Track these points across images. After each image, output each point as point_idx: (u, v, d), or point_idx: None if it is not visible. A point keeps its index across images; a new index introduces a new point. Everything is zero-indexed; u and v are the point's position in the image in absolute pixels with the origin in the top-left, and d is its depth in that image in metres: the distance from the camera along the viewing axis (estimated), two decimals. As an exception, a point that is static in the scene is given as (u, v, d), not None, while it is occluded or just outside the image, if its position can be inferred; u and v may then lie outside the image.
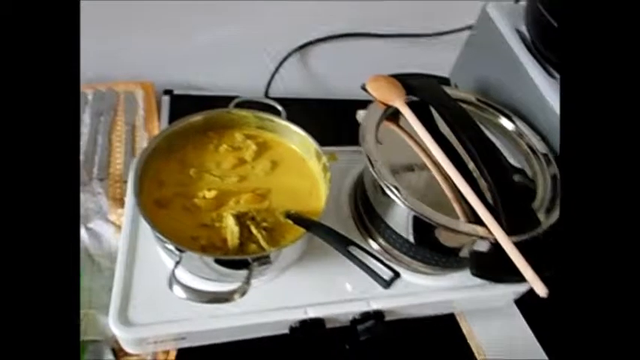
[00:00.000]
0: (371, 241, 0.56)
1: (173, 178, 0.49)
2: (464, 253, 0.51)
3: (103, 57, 0.73)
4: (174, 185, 0.49)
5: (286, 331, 0.49)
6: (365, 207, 0.55)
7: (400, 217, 0.50)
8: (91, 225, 0.58)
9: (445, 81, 0.60)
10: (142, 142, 0.69)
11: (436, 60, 0.85)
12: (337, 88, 0.87)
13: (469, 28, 0.71)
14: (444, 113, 0.52)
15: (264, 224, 0.46)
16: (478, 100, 0.59)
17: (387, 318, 0.51)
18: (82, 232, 0.57)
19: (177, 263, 0.41)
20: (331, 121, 0.79)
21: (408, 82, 0.55)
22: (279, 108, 0.56)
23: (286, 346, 0.50)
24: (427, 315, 0.55)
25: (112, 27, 0.70)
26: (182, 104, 0.76)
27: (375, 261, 0.41)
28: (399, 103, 0.52)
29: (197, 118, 0.52)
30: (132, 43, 0.74)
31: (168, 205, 0.47)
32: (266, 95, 0.81)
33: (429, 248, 0.51)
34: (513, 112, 0.58)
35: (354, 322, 0.50)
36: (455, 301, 0.55)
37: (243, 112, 0.54)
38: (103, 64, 0.75)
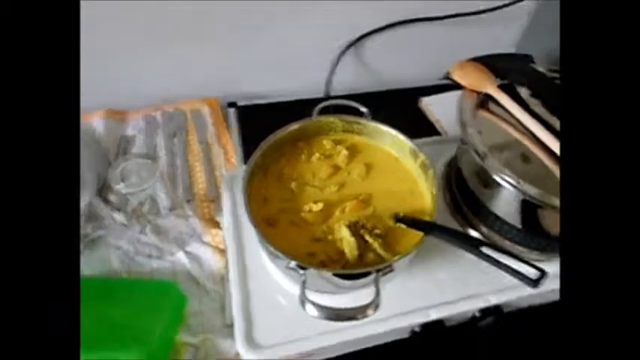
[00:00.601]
0: (471, 231, 0.54)
1: (276, 194, 0.49)
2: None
3: (163, 77, 0.73)
4: (278, 201, 0.49)
5: (407, 335, 0.48)
6: (465, 198, 0.54)
7: (510, 206, 0.49)
8: (189, 248, 0.59)
9: (528, 58, 0.56)
10: (219, 158, 0.69)
11: (498, 36, 0.82)
12: (398, 78, 0.85)
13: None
14: (541, 92, 0.49)
15: (377, 231, 0.45)
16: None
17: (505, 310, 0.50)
18: (182, 256, 0.58)
19: (304, 282, 0.41)
20: (398, 112, 0.77)
21: (495, 66, 0.53)
22: (363, 109, 0.55)
23: (406, 348, 0.49)
24: (541, 303, 0.53)
25: (170, 45, 0.70)
26: (248, 114, 0.76)
27: (512, 259, 0.39)
28: (491, 89, 0.50)
29: (289, 130, 0.52)
30: (190, 61, 0.74)
31: (277, 222, 0.47)
32: (327, 94, 0.79)
33: (540, 234, 0.50)
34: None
35: (474, 319, 0.49)
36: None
37: (330, 118, 0.53)
38: (165, 85, 0.75)
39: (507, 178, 0.42)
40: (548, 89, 0.49)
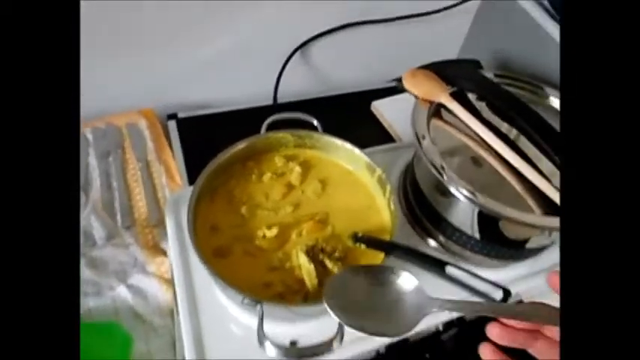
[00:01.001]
0: (430, 240, 0.53)
1: (225, 220, 0.45)
2: (531, 244, 0.49)
3: (91, 89, 0.66)
4: (228, 228, 0.45)
5: (372, 356, 0.46)
6: (423, 208, 0.52)
7: (467, 217, 0.48)
8: (131, 281, 0.54)
9: (476, 64, 0.56)
10: (161, 177, 0.63)
11: (441, 38, 0.82)
12: (346, 80, 0.83)
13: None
14: (491, 99, 0.49)
15: (336, 254, 0.43)
16: (509, 76, 0.55)
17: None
18: (124, 290, 0.53)
19: (262, 319, 0.38)
20: (349, 118, 0.76)
21: (445, 73, 0.52)
22: (315, 122, 0.52)
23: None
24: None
25: (95, 54, 0.64)
26: (190, 127, 0.71)
27: (474, 279, 0.38)
28: (444, 99, 0.49)
29: (238, 147, 0.48)
30: (120, 69, 0.67)
31: (229, 253, 0.43)
32: (275, 101, 0.76)
33: (498, 243, 0.49)
34: (545, 83, 0.56)
35: (438, 332, 0.48)
36: (522, 292, 0.53)
37: (280, 133, 0.50)
38: (94, 97, 0.69)
39: (465, 192, 0.41)
40: (495, 95, 0.48)
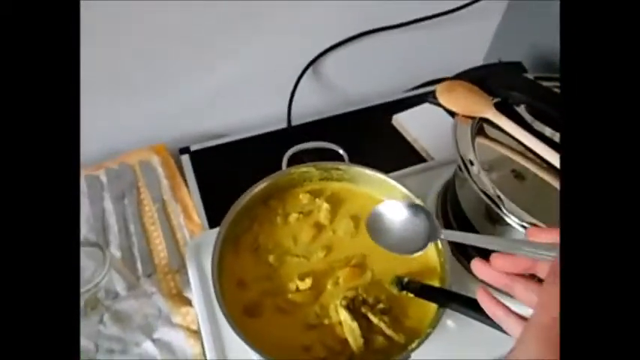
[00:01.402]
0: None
1: (252, 272, 0.41)
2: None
3: (101, 128, 0.63)
4: (256, 282, 0.40)
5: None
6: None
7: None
8: (157, 335, 0.50)
9: (518, 66, 0.50)
10: (178, 218, 0.59)
11: (467, 37, 0.76)
12: (363, 94, 0.78)
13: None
14: (544, 108, 0.43)
15: (380, 305, 0.38)
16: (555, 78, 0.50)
17: None
18: (150, 345, 0.49)
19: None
20: (368, 134, 0.71)
21: (486, 82, 0.46)
22: (341, 151, 0.47)
23: None
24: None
25: (101, 92, 0.60)
26: (204, 159, 0.67)
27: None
28: (489, 113, 0.43)
29: (259, 188, 0.43)
30: (129, 105, 0.64)
31: (260, 311, 0.39)
32: (289, 123, 0.71)
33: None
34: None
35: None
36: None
37: (303, 168, 0.45)
38: (104, 137, 0.65)
39: (525, 224, 0.36)
40: (549, 102, 0.42)
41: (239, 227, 0.43)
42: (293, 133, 0.69)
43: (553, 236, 0.26)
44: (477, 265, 0.30)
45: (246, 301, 0.39)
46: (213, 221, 0.59)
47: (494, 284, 0.29)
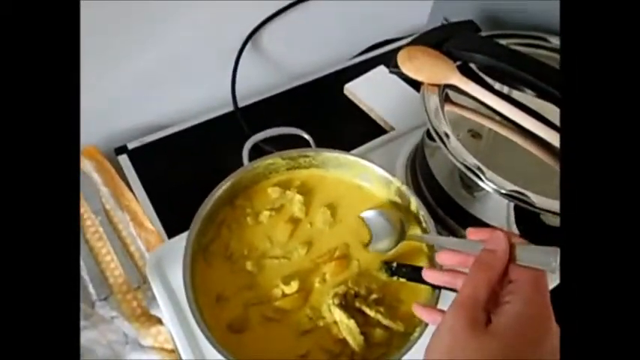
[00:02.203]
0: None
1: (230, 284, 0.37)
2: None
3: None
4: (237, 294, 0.36)
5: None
6: (442, 204, 0.46)
7: (500, 212, 0.42)
8: (128, 363, 0.45)
9: (471, 25, 0.48)
10: (128, 228, 0.53)
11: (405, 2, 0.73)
12: (309, 65, 0.73)
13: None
14: (509, 68, 0.42)
15: (373, 296, 0.36)
16: (509, 34, 0.48)
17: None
18: (121, 376, 0.44)
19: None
20: (320, 108, 0.67)
21: (445, 47, 0.44)
22: (306, 136, 0.43)
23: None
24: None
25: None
26: (145, 157, 0.60)
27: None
28: (456, 79, 0.41)
29: (222, 189, 0.39)
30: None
31: (246, 325, 0.35)
32: (235, 105, 0.66)
33: (537, 239, 0.44)
34: (546, 32, 0.49)
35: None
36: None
37: (268, 160, 0.41)
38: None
39: (512, 192, 0.35)
40: (514, 62, 0.41)
41: (206, 235, 0.38)
42: (241, 116, 0.64)
43: (486, 235, 0.30)
44: (426, 273, 0.33)
45: (229, 317, 0.35)
46: (169, 225, 0.53)
47: (440, 284, 0.33)
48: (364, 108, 0.67)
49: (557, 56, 0.46)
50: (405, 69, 0.42)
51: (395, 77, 0.69)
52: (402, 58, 0.42)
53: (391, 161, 0.53)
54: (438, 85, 0.42)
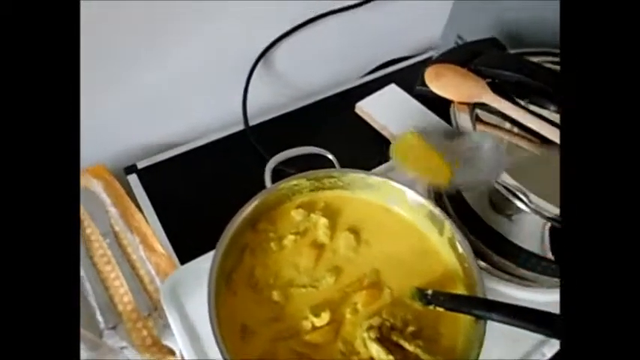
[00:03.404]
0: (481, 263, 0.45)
1: (256, 315, 0.34)
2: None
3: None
4: (263, 326, 0.34)
5: None
6: (473, 228, 0.44)
7: (537, 236, 0.40)
8: (138, 400, 0.42)
9: (495, 43, 0.47)
10: (137, 251, 0.51)
11: (417, 17, 0.73)
12: (320, 83, 0.72)
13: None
14: (537, 86, 0.41)
15: (410, 328, 0.33)
16: (534, 52, 0.47)
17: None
18: (132, 414, 0.41)
19: None
20: (332, 126, 0.66)
21: (472, 64, 0.42)
22: (330, 156, 0.41)
23: None
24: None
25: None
26: (155, 177, 0.58)
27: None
28: (488, 97, 0.40)
29: (246, 212, 0.36)
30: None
31: (274, 360, 0.32)
32: (246, 124, 0.64)
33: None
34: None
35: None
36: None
37: (293, 181, 0.39)
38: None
39: (556, 217, 0.33)
40: (545, 79, 0.40)
41: (228, 261, 0.36)
42: (252, 135, 0.62)
43: None
44: None
45: (256, 353, 0.32)
46: (180, 249, 0.51)
47: None
48: (376, 126, 0.65)
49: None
50: (434, 87, 0.40)
51: (406, 95, 0.69)
52: (429, 76, 0.41)
53: (412, 183, 0.51)
54: (468, 104, 0.40)
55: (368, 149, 0.63)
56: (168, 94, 0.59)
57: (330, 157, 0.41)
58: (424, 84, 0.41)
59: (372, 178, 0.40)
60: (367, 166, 0.53)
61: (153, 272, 0.49)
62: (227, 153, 0.61)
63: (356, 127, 0.66)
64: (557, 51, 0.45)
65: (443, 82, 0.40)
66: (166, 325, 0.45)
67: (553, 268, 0.41)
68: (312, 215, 0.39)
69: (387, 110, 0.66)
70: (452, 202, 0.45)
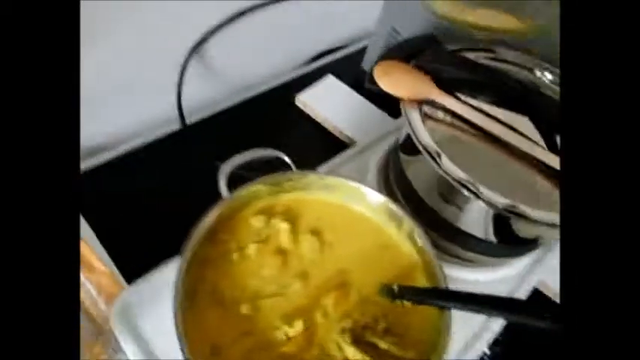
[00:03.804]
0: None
1: (226, 332, 0.33)
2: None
3: None
4: (235, 342, 0.33)
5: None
6: (429, 220, 0.45)
7: (479, 221, 0.42)
8: None
9: (432, 39, 0.49)
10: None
11: (352, 8, 0.73)
12: (257, 77, 0.70)
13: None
14: (476, 81, 0.43)
15: (382, 325, 0.34)
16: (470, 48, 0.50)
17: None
18: None
19: None
20: (273, 120, 0.65)
21: (416, 60, 0.43)
22: (286, 159, 0.40)
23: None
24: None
25: None
26: (86, 185, 0.53)
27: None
28: (435, 94, 0.41)
29: (207, 223, 0.35)
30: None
31: (250, 377, 0.31)
32: (183, 123, 0.61)
33: (515, 243, 0.46)
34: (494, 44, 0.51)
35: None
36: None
37: (253, 187, 0.38)
38: None
39: (507, 207, 0.35)
40: (489, 76, 0.42)
41: (189, 278, 0.34)
42: (189, 134, 0.59)
43: None
44: None
45: (230, 371, 0.31)
46: (123, 265, 0.47)
47: None
48: (318, 119, 0.65)
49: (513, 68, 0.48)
50: (383, 84, 0.41)
51: (345, 87, 0.69)
52: (378, 74, 0.41)
53: (361, 177, 0.52)
54: (417, 101, 0.41)
55: (313, 143, 0.63)
56: (97, 96, 0.54)
57: (287, 159, 0.40)
58: (373, 81, 0.41)
59: (331, 179, 0.39)
60: (316, 161, 0.53)
61: (94, 294, 0.45)
62: (164, 155, 0.58)
63: (298, 120, 0.66)
64: (487, 47, 0.48)
65: (392, 80, 0.41)
66: (116, 350, 0.42)
67: (493, 248, 0.44)
68: (273, 221, 0.38)
69: (327, 103, 0.66)
70: (404, 196, 0.47)
